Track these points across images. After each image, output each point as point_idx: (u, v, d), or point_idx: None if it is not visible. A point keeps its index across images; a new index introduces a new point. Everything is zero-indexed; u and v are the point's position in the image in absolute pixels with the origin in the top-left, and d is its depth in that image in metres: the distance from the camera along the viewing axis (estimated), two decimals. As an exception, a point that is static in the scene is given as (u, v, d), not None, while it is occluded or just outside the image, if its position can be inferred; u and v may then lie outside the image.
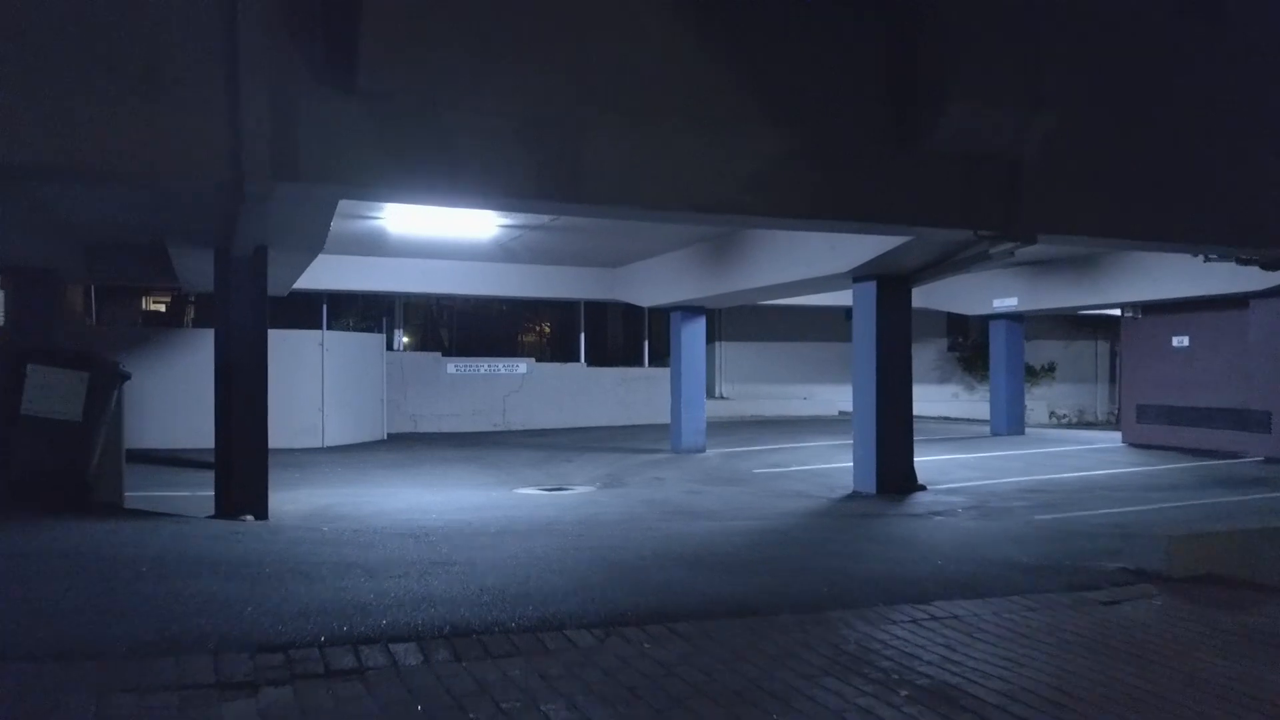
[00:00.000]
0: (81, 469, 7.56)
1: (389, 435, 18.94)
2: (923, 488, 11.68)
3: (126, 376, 8.03)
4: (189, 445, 14.14)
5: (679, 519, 9.57)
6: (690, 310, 16.54)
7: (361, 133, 6.63)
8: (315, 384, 17.23)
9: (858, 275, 11.74)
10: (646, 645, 4.33)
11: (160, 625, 4.24)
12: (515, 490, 12.05)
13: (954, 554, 7.05)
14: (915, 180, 8.62)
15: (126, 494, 10.48)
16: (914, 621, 4.91)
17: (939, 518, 9.64)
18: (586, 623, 4.64)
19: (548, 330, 28.34)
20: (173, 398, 15.17)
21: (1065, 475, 13.39)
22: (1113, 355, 28.90)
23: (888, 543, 7.80)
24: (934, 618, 5.00)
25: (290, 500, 10.68)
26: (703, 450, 16.45)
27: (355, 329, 19.95)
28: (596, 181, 7.27)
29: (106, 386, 7.67)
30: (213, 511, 8.98)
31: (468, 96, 6.85)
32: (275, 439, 17.19)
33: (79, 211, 9.13)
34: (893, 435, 11.60)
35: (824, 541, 8.00)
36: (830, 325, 25.11)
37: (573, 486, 12.43)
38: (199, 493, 10.03)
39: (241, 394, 8.88)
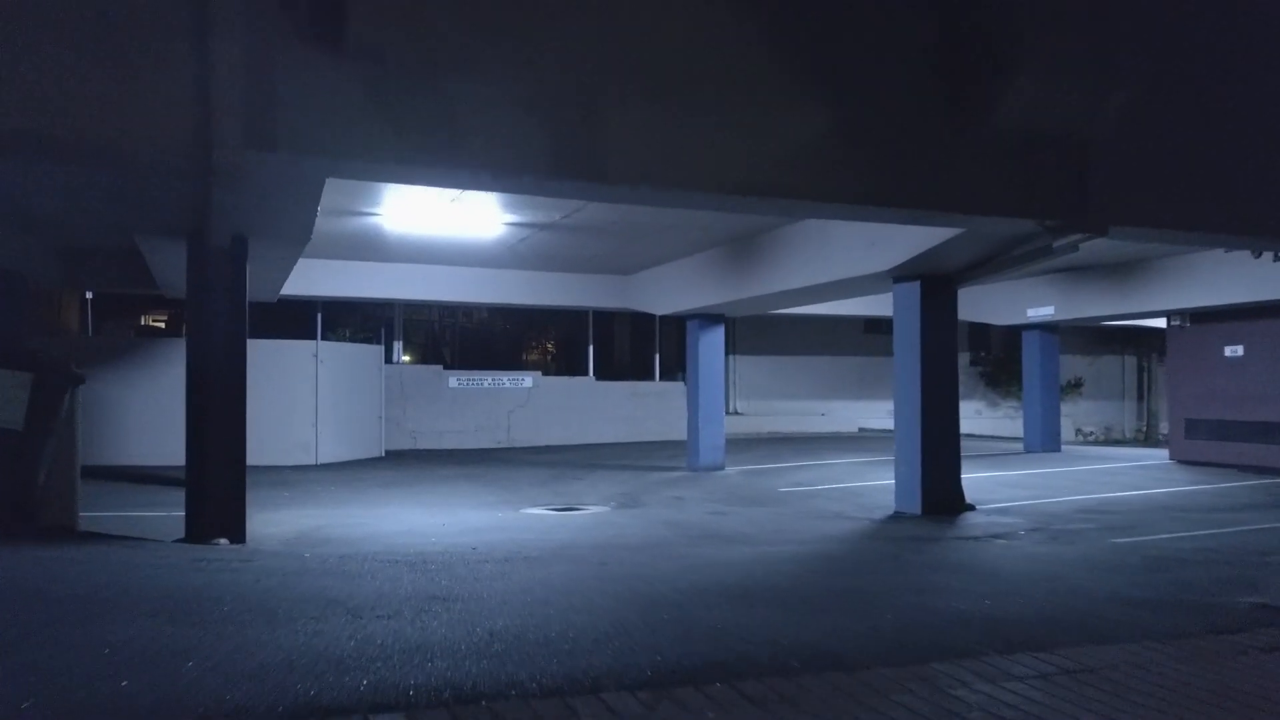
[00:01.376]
0: (23, 485, 6.51)
1: (387, 452, 17.89)
2: (971, 508, 10.62)
3: (80, 380, 6.99)
4: (178, 461, 13.08)
5: (709, 544, 8.50)
6: (708, 319, 15.52)
7: (349, 98, 5.69)
8: (309, 397, 16.19)
9: (899, 275, 10.72)
10: (711, 716, 3.27)
11: (63, 688, 3.18)
12: (523, 510, 11.00)
13: (1045, 586, 5.99)
14: (972, 163, 7.74)
15: (95, 514, 9.46)
16: (1042, 677, 3.85)
17: (1000, 541, 8.57)
18: (628, 682, 3.58)
19: (551, 345, 27.36)
20: (162, 410, 14.13)
21: (1122, 494, 12.30)
22: (1140, 369, 27.84)
23: (958, 571, 6.73)
24: (1065, 671, 3.93)
25: (274, 522, 9.63)
26: (722, 468, 15.38)
27: (352, 340, 18.93)
28: (618, 159, 6.35)
29: (55, 390, 6.64)
30: (183, 535, 7.92)
31: (473, 61, 5.91)
32: (266, 455, 16.40)
33: (37, 198, 8.15)
34: (939, 451, 10.54)
35: (883, 571, 6.93)
36: (847, 337, 24.08)
37: (585, 507, 11.38)
38: (175, 513, 8.98)
39: (217, 403, 7.85)
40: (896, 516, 10.34)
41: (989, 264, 10.33)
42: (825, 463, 16.27)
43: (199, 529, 7.80)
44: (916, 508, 10.39)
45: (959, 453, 10.78)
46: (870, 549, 8.32)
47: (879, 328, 24.38)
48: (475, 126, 5.95)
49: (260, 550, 7.42)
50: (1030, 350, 18.38)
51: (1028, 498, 11.78)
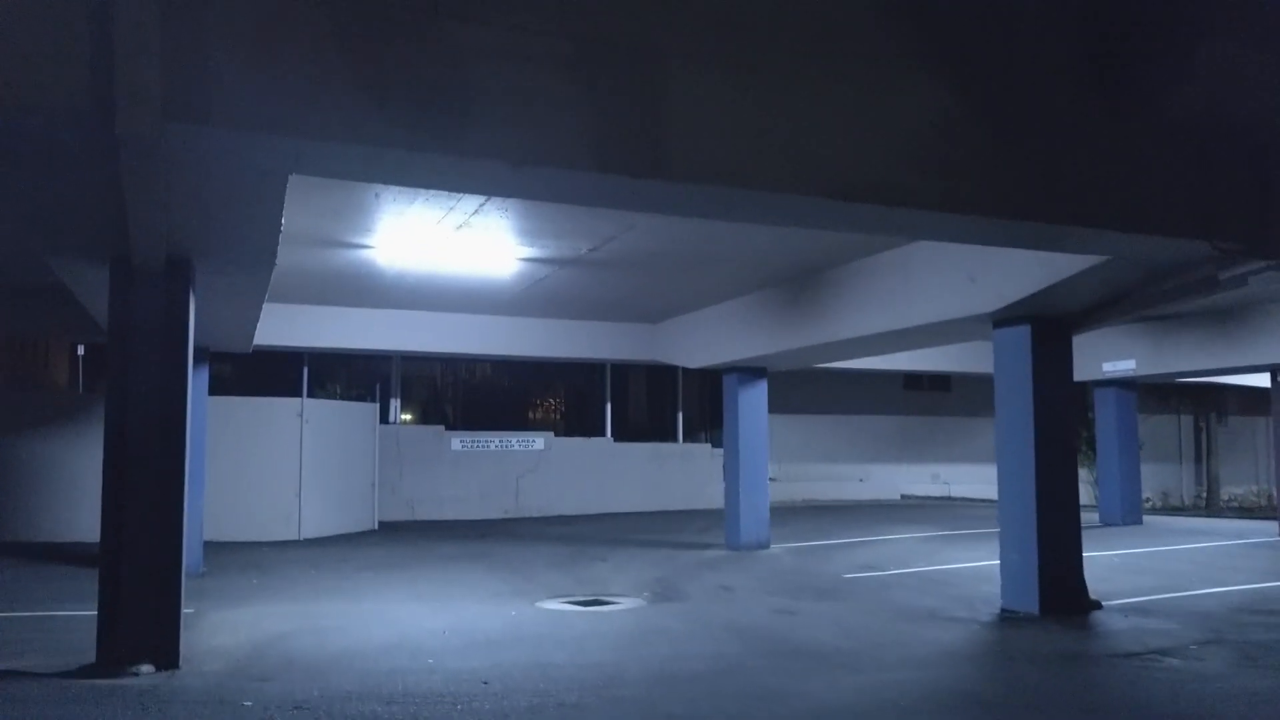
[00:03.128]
0: None
1: (380, 524, 15.79)
2: (1097, 604, 8.54)
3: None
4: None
5: (796, 666, 6.42)
6: (749, 372, 13.56)
7: (314, 51, 3.83)
8: (292, 462, 14.17)
9: (1004, 318, 8.78)
10: None
11: None
12: (540, 604, 8.92)
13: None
14: (1135, 171, 5.91)
15: (3, 614, 7.45)
16: None
17: (1172, 661, 6.49)
18: None
19: (559, 403, 25.36)
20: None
21: (1273, 584, 10.18)
22: (1197, 430, 25.79)
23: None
24: None
25: (227, 626, 7.56)
26: (767, 546, 13.29)
27: (343, 397, 16.93)
28: (683, 147, 4.48)
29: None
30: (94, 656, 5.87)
31: (487, 3, 4.09)
32: (239, 530, 14.25)
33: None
34: (1058, 533, 8.50)
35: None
36: (886, 394, 22.11)
37: (615, 599, 9.30)
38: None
39: (143, 476, 5.86)
40: (1009, 618, 8.25)
41: (1121, 303, 8.43)
42: (882, 539, 14.17)
43: (113, 650, 5.76)
44: (1032, 605, 8.31)
45: (1080, 533, 8.74)
46: (1007, 676, 6.26)
47: (920, 384, 22.44)
48: (488, 95, 4.12)
49: (185, 687, 5.36)
50: (1105, 409, 16.38)
51: (1155, 589, 9.68)
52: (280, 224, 5.82)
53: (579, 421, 23.59)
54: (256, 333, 10.60)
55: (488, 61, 4.11)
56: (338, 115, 3.90)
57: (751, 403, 13.60)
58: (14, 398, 14.58)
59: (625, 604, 9.09)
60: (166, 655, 5.80)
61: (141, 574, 5.81)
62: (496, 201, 7.97)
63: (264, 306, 8.68)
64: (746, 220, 6.06)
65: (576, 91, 4.33)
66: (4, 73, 3.95)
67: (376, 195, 7.67)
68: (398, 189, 7.59)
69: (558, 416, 24.82)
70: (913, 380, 21.76)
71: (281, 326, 12.98)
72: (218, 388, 12.97)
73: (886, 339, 10.52)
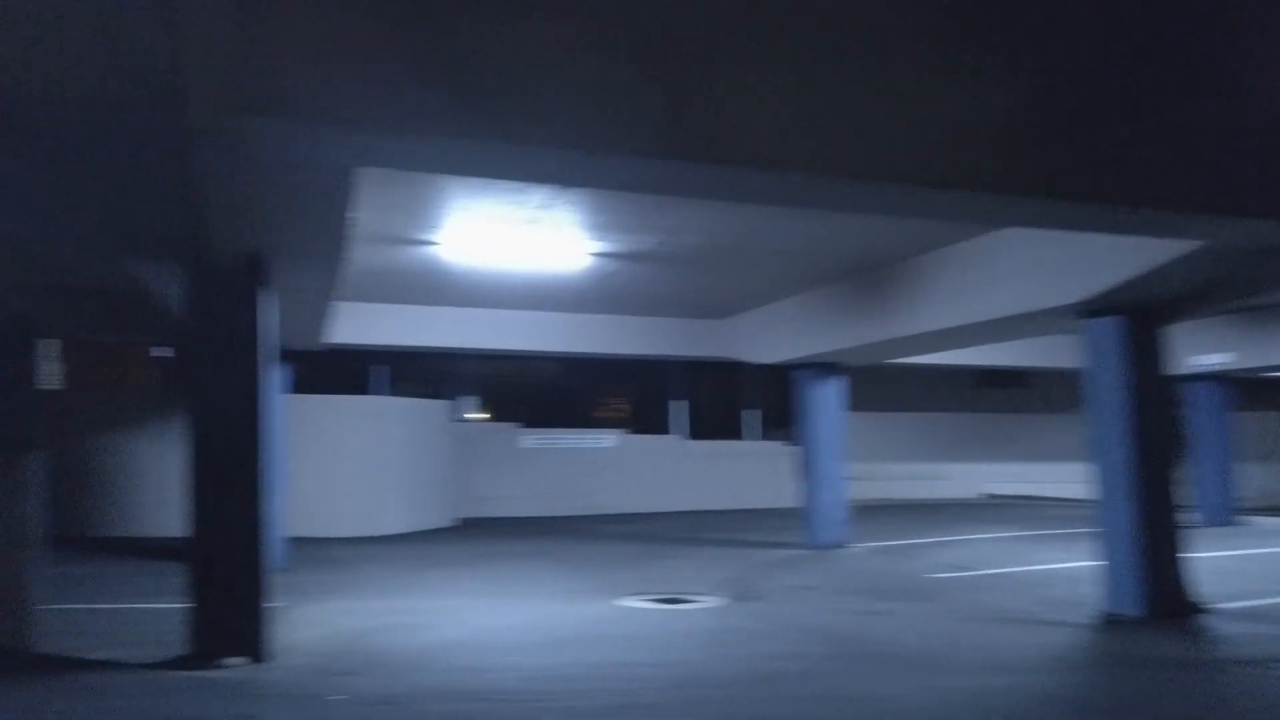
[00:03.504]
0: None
1: (455, 521, 15.92)
2: (1203, 608, 8.12)
3: (32, 443, 5.10)
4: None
5: (888, 672, 6.20)
6: (821, 369, 13.29)
7: (382, 43, 3.79)
8: (370, 460, 14.38)
9: (1092, 309, 8.40)
10: None
11: None
12: (616, 602, 8.83)
13: None
14: (1219, 148, 5.51)
15: (95, 606, 7.65)
16: None
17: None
18: None
19: (625, 400, 25.31)
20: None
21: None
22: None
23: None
24: None
25: (313, 621, 7.63)
26: (846, 545, 13.01)
27: (416, 395, 17.10)
28: (758, 132, 4.29)
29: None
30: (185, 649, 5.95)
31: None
32: (320, 527, 14.53)
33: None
34: (1160, 533, 8.11)
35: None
36: (964, 391, 21.56)
37: (693, 598, 9.16)
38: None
39: (222, 472, 5.91)
40: (1112, 621, 7.88)
41: (1217, 291, 8.03)
42: (966, 538, 13.77)
43: (203, 642, 5.82)
44: (1135, 608, 7.93)
45: (1182, 536, 8.32)
46: (1117, 683, 5.95)
47: (999, 380, 21.82)
48: (557, 84, 4.02)
49: (274, 680, 5.39)
50: (1198, 405, 15.67)
51: (1263, 592, 9.18)
52: (350, 219, 5.82)
53: (648, 419, 23.53)
54: (328, 331, 10.70)
55: (557, 51, 4.02)
56: (406, 107, 3.84)
57: (826, 399, 13.34)
58: (106, 398, 15.06)
59: (704, 603, 8.94)
60: (255, 648, 5.86)
61: (228, 567, 5.87)
62: (566, 195, 7.90)
63: (336, 305, 8.73)
64: (825, 208, 5.85)
65: (648, 79, 4.21)
66: (78, 66, 3.98)
67: (443, 190, 7.67)
68: (466, 183, 7.57)
69: (629, 416, 24.82)
70: (992, 376, 21.15)
71: (354, 325, 13.14)
72: (296, 387, 13.19)
73: (964, 332, 10.18)
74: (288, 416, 11.95)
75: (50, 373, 15.25)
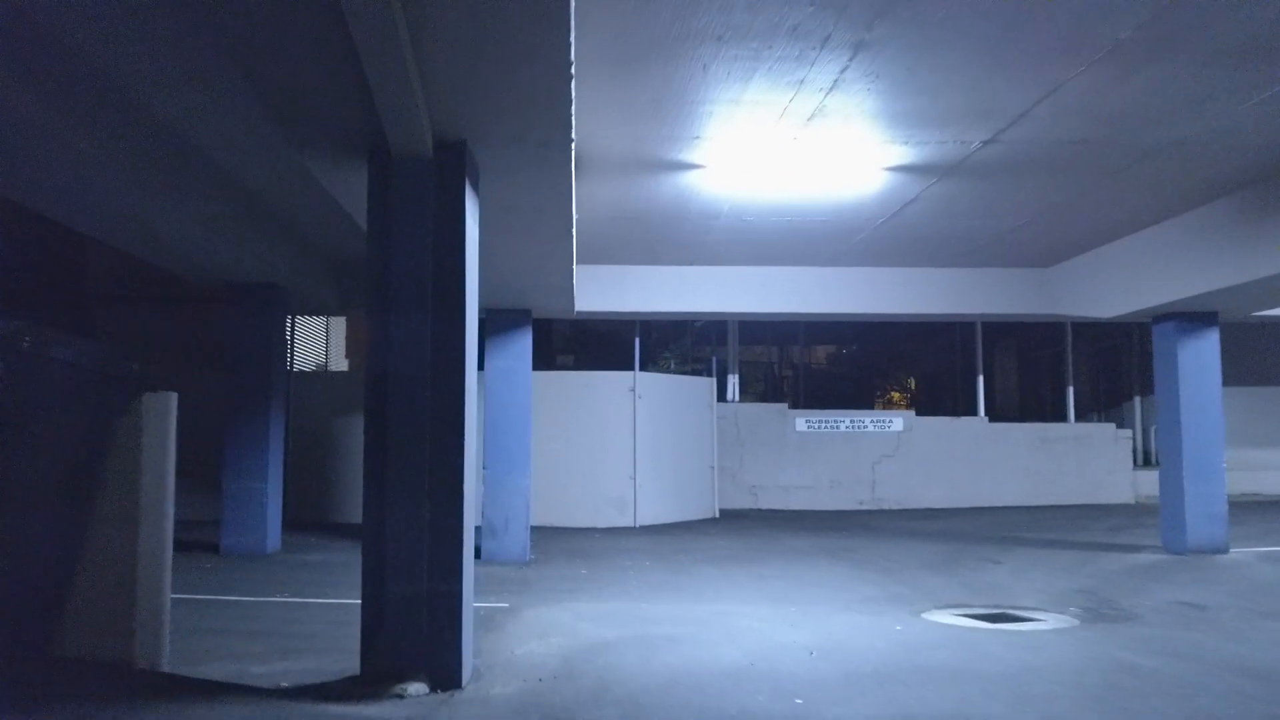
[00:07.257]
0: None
1: (720, 512, 14.19)
2: None
3: (146, 383, 3.77)
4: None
5: None
6: (1192, 320, 10.19)
7: None
8: (625, 441, 12.97)
9: None
10: None
11: None
12: (928, 616, 6.65)
13: None
14: None
15: (294, 600, 6.61)
16: None
17: None
18: None
19: (911, 380, 22.45)
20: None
21: None
22: None
23: None
24: None
25: (543, 628, 6.10)
26: (1225, 550, 9.88)
27: (676, 370, 15.54)
28: None
29: (60, 405, 3.41)
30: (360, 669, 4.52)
31: None
32: (570, 515, 13.23)
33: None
34: None
35: None
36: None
37: (1028, 614, 6.79)
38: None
39: (409, 446, 4.41)
40: None
41: None
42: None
43: (377, 663, 4.35)
44: None
45: None
46: None
47: None
48: None
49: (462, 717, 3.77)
50: None
51: None
52: (571, 76, 4.11)
53: (934, 398, 20.62)
54: (580, 297, 9.25)
55: None
56: None
57: (1196, 360, 10.23)
58: (343, 379, 14.46)
59: (1047, 622, 6.55)
60: (444, 672, 4.32)
61: (411, 573, 4.36)
62: (861, 67, 5.82)
63: (587, 269, 7.14)
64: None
65: None
66: None
67: (704, 68, 5.81)
68: (729, 60, 5.70)
69: (915, 396, 22.01)
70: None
71: (611, 293, 11.74)
72: (544, 363, 11.99)
73: None
74: (535, 395, 10.77)
75: (318, 352, 15.18)
